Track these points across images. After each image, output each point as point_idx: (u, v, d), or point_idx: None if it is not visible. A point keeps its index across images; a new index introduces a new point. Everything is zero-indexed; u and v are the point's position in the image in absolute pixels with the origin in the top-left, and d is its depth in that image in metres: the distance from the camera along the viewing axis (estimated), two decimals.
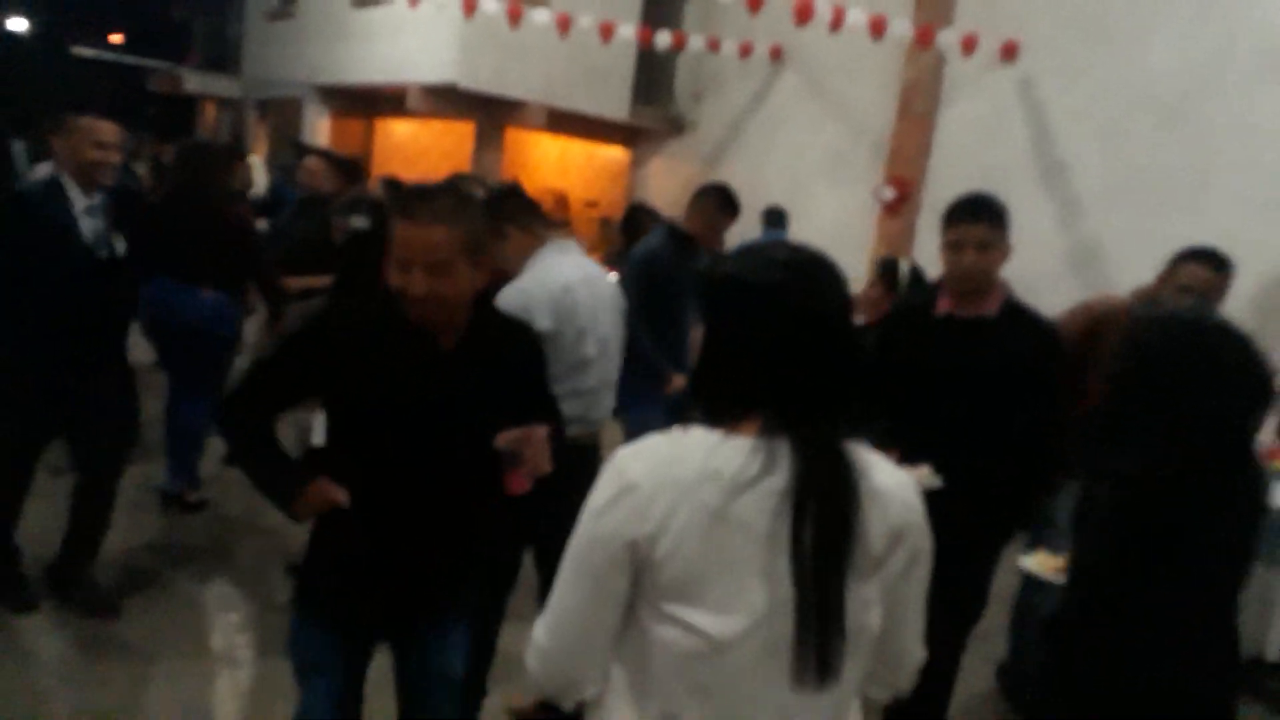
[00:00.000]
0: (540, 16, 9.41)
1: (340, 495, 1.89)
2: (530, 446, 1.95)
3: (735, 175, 11.69)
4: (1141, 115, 7.86)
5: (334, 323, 1.97)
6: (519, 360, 2.12)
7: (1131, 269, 8.14)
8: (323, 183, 5.25)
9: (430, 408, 1.90)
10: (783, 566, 1.18)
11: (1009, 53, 8.66)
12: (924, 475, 2.42)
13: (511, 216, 2.78)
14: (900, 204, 9.37)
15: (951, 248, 2.55)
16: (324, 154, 5.71)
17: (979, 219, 2.55)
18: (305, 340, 1.95)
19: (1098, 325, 3.28)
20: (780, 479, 1.18)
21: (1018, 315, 2.61)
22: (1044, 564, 2.48)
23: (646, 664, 1.24)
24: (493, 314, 2.15)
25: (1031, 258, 8.67)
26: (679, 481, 1.18)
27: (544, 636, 1.28)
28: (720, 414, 1.25)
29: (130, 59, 19.49)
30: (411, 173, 14.03)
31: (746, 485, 1.17)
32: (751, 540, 1.18)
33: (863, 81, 9.99)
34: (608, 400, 2.98)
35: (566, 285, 2.73)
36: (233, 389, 2.03)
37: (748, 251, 1.31)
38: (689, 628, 1.19)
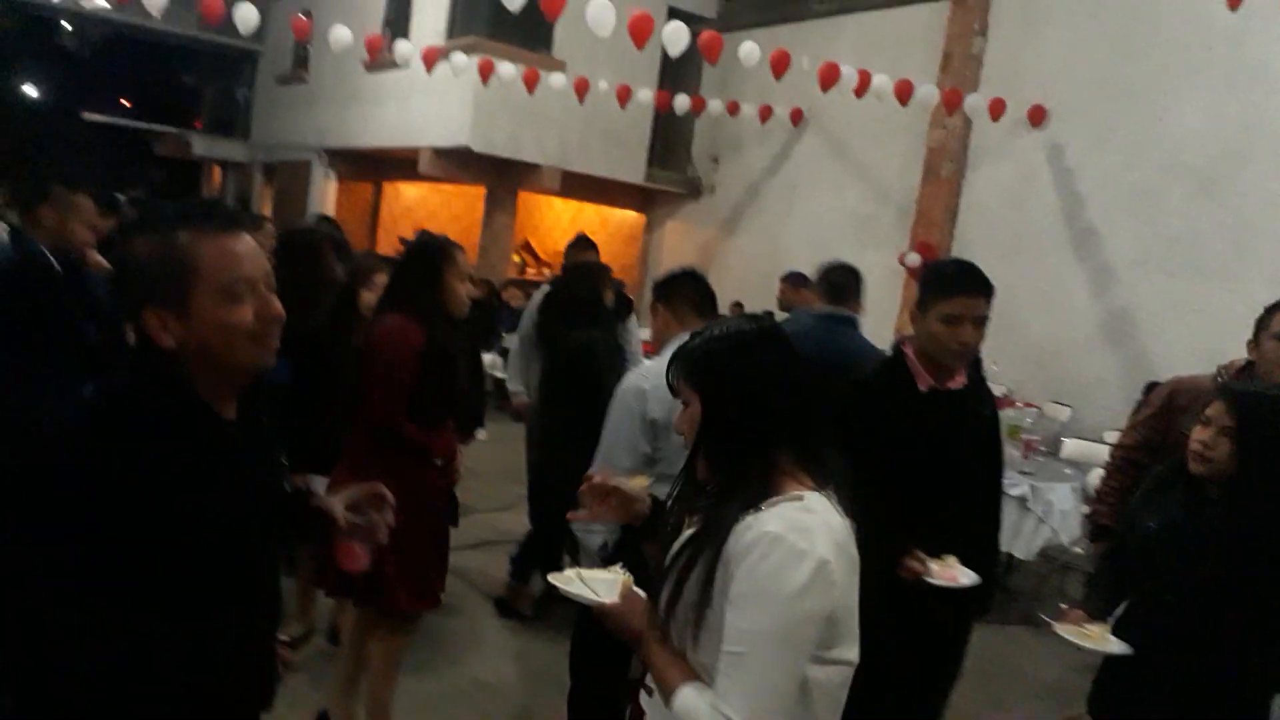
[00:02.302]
0: (557, 81, 9.30)
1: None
2: (375, 505, 1.62)
3: (753, 239, 11.57)
4: (1173, 181, 7.67)
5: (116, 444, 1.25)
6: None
7: (1166, 338, 7.96)
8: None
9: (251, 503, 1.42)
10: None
11: (1036, 117, 8.53)
12: (959, 570, 2.36)
13: (669, 299, 2.79)
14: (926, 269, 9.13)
15: (949, 321, 2.38)
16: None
17: (980, 292, 2.42)
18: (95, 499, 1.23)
19: (1175, 398, 3.26)
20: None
21: (977, 383, 2.57)
22: (1083, 634, 2.37)
23: (810, 706, 1.37)
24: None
25: (1063, 325, 8.55)
26: (842, 547, 1.37)
27: None
28: (751, 476, 1.42)
29: (139, 123, 19.51)
30: None
31: (851, 531, 1.40)
32: (856, 573, 1.40)
33: (887, 144, 9.84)
34: None
35: None
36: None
37: (714, 330, 1.54)
38: (840, 662, 1.39)
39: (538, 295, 4.98)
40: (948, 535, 2.39)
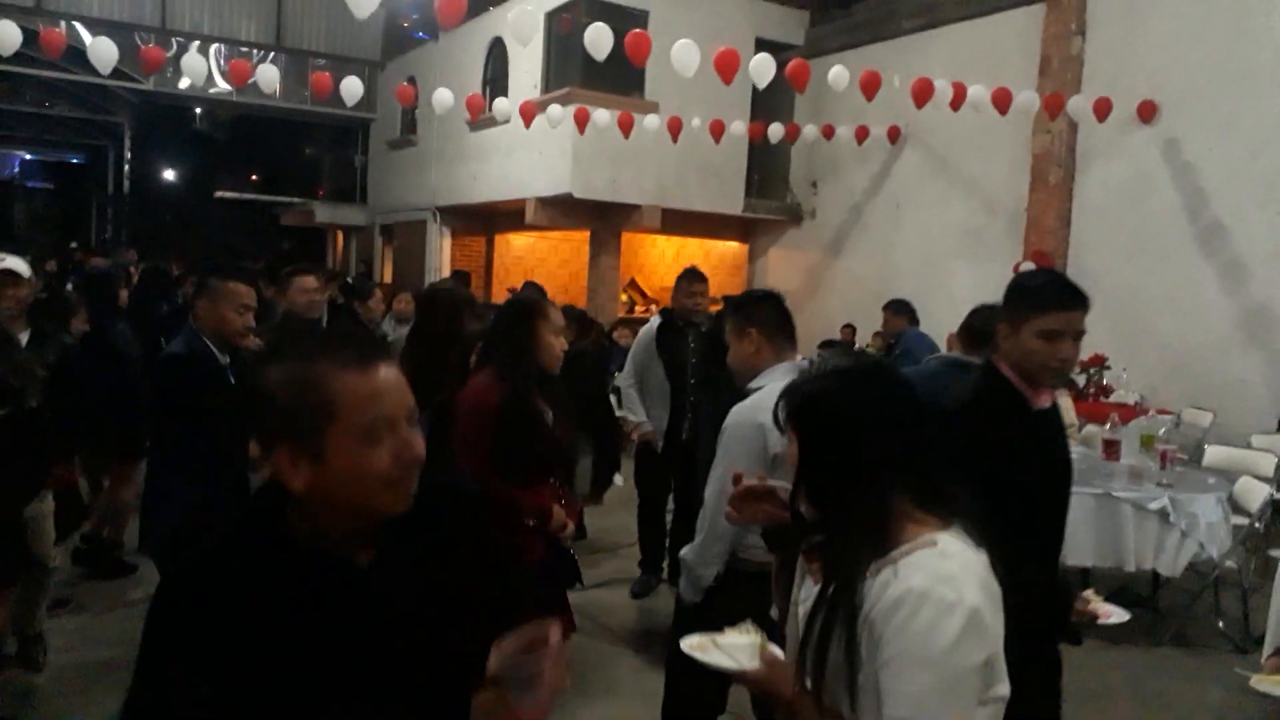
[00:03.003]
0: (651, 122, 9.49)
1: None
2: (545, 658, 1.28)
3: (860, 260, 11.45)
4: None
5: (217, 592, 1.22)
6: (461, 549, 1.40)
7: None
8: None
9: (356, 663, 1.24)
10: None
11: (1147, 112, 8.20)
12: (1108, 606, 2.34)
13: (758, 322, 2.71)
14: None
15: (1048, 337, 2.24)
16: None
17: (1079, 305, 2.29)
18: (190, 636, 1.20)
19: None
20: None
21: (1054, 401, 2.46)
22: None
23: None
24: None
25: (1196, 325, 8.12)
26: (986, 586, 1.34)
27: None
28: (867, 522, 1.38)
29: (266, 197, 20.79)
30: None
31: (989, 564, 1.37)
32: (1000, 604, 1.37)
33: (990, 155, 9.62)
34: None
35: None
36: None
37: (817, 368, 1.54)
38: (996, 699, 1.37)
39: (650, 326, 5.11)
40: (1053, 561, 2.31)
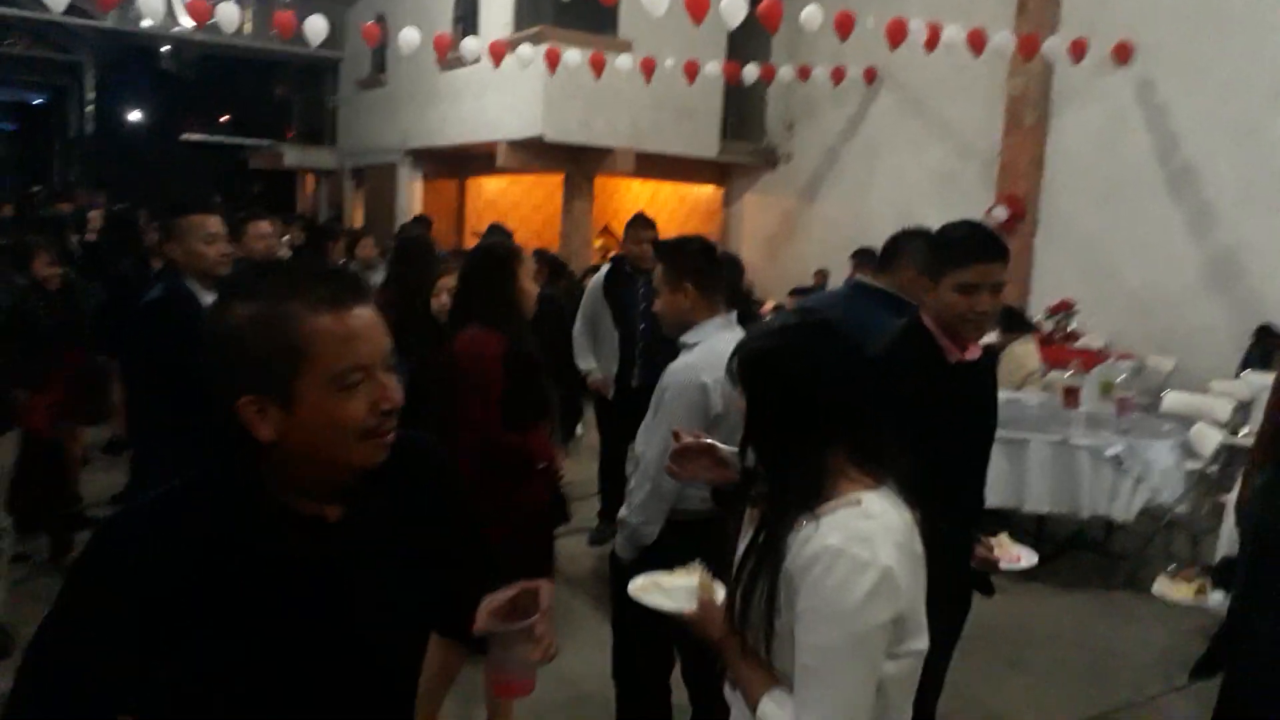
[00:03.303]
0: (624, 62, 9.31)
1: None
2: (539, 623, 1.30)
3: (835, 205, 11.37)
4: (1275, 112, 7.20)
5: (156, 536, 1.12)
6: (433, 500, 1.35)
7: (1274, 277, 7.51)
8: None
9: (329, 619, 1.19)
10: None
11: (1123, 55, 8.12)
12: (1019, 549, 2.34)
13: (694, 275, 2.59)
14: (1014, 223, 8.83)
15: (964, 290, 2.23)
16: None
17: (996, 257, 2.26)
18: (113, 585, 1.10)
19: None
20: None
21: (987, 351, 2.46)
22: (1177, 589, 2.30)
23: (886, 701, 1.40)
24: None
25: (1164, 271, 8.15)
26: (903, 546, 1.37)
27: None
28: (802, 477, 1.41)
29: (234, 139, 20.36)
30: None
31: (914, 524, 1.41)
32: (921, 564, 1.41)
33: (966, 97, 9.53)
34: None
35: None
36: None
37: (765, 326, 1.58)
38: (911, 654, 1.41)
39: (599, 274, 5.07)
40: (977, 518, 2.33)
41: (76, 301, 4.94)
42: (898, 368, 2.24)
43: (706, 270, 2.62)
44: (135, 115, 23.28)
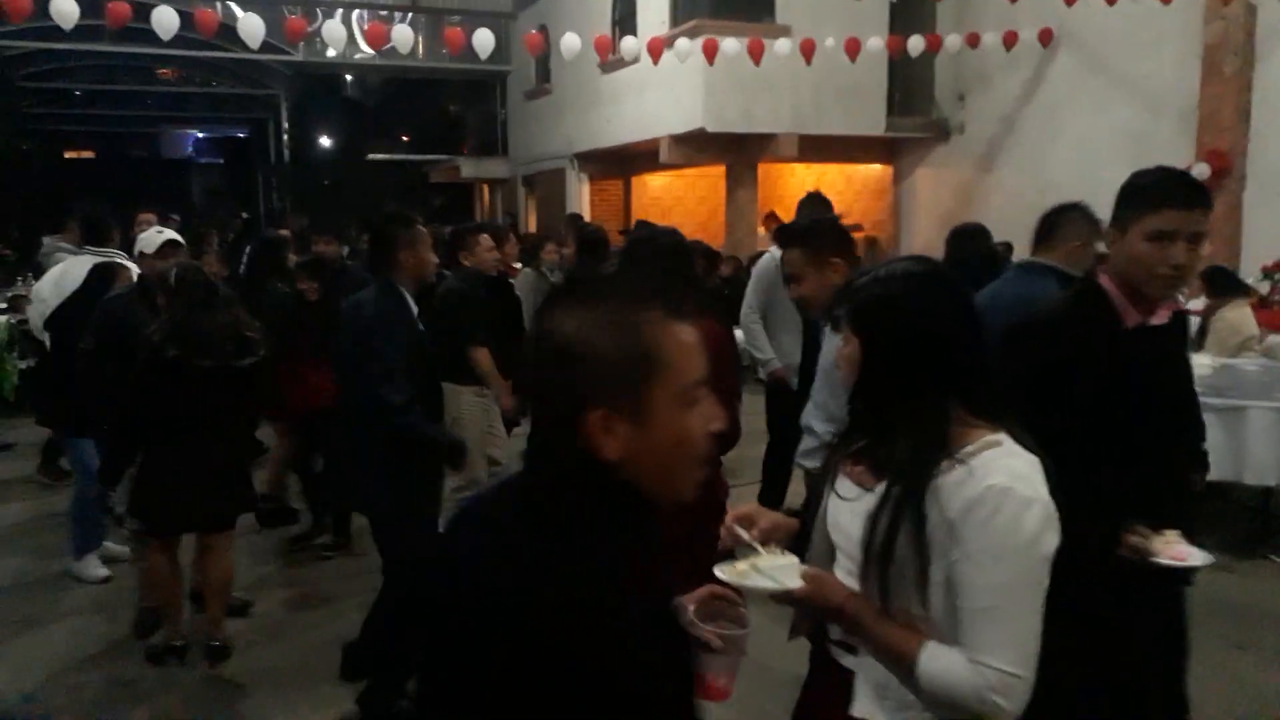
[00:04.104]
0: (783, 46, 9.19)
1: None
2: (745, 637, 1.28)
3: (1014, 173, 10.82)
4: None
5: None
6: None
7: None
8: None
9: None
10: None
11: None
12: (1186, 547, 1.98)
13: (844, 250, 2.56)
14: (1218, 179, 8.12)
15: (1158, 238, 1.98)
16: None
17: (1198, 203, 1.99)
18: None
19: None
20: None
21: (1177, 316, 2.21)
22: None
23: None
24: None
25: None
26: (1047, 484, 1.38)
27: (1022, 668, 1.32)
28: (929, 424, 1.40)
29: (415, 156, 21.57)
30: (668, 222, 14.26)
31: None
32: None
33: (1155, 50, 8.84)
34: None
35: None
36: None
37: (882, 270, 1.50)
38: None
39: (772, 255, 4.94)
40: (1157, 501, 2.05)
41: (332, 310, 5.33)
42: (1062, 331, 2.09)
43: (848, 243, 2.58)
44: (325, 140, 25.05)
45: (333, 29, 8.00)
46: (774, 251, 5.02)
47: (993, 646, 1.32)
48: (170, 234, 4.16)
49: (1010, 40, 9.65)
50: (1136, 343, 2.06)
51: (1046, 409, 1.76)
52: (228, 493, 3.65)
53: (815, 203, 4.93)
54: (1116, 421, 2.01)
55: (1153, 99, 9.01)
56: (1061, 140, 10.11)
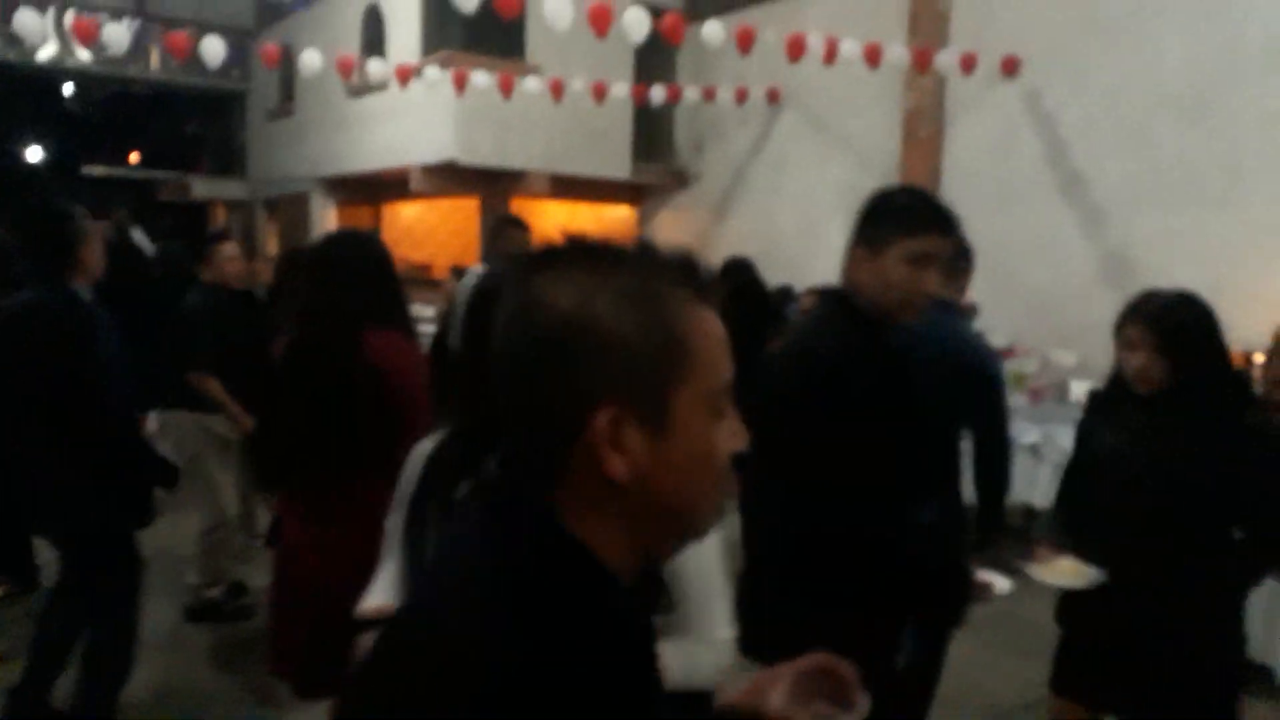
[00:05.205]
0: (532, 84, 9.35)
1: None
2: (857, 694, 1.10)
3: (744, 221, 11.56)
4: (1158, 115, 7.58)
5: None
6: None
7: (1166, 272, 7.76)
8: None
9: None
10: None
11: (1010, 67, 8.45)
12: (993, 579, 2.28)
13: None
14: None
15: (918, 262, 1.96)
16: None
17: (952, 230, 2.02)
18: None
19: None
20: None
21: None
22: (1056, 571, 2.35)
23: None
24: None
25: (1060, 270, 8.46)
26: None
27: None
28: None
29: (140, 173, 19.85)
30: (421, 254, 14.01)
31: None
32: None
33: (865, 112, 9.81)
34: None
35: None
36: None
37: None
38: None
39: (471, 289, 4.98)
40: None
41: None
42: (851, 357, 1.97)
43: None
44: (34, 153, 22.57)
45: (26, 20, 7.04)
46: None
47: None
48: None
49: (741, 96, 10.36)
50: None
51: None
52: None
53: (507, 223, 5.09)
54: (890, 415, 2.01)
55: (863, 157, 9.97)
56: (785, 192, 10.94)
